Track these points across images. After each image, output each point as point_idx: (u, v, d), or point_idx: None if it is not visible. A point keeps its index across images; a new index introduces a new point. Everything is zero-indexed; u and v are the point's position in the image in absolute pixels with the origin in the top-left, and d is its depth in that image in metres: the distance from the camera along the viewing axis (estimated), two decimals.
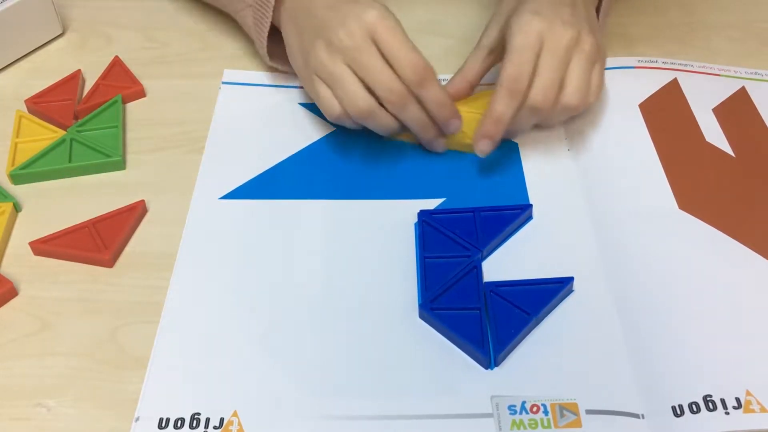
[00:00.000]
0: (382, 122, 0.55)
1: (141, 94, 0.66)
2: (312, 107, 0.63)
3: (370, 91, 0.54)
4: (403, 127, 0.57)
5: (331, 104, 0.55)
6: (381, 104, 0.54)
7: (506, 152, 0.60)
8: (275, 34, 0.62)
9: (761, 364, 0.47)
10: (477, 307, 0.49)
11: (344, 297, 0.51)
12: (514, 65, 0.54)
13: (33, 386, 0.47)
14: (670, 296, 0.50)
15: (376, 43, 0.53)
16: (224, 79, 0.66)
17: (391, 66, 0.53)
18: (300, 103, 0.64)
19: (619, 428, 0.44)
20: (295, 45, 0.59)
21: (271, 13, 0.60)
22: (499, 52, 0.60)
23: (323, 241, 0.54)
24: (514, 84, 0.54)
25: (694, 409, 0.44)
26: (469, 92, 0.61)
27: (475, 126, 0.57)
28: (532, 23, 0.55)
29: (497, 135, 0.56)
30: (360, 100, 0.54)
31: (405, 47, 0.53)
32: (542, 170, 0.58)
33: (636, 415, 0.45)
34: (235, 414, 0.45)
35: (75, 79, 0.66)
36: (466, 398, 0.46)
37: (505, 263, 0.53)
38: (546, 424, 0.44)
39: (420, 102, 0.55)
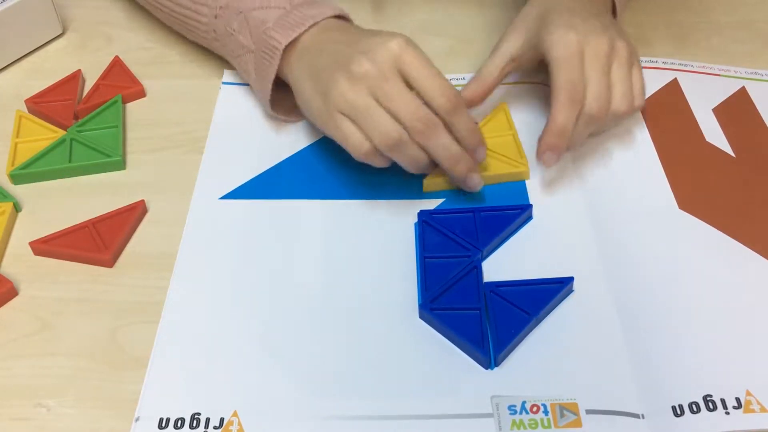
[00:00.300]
0: (412, 154, 0.52)
1: (141, 94, 0.66)
2: None
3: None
4: (433, 164, 0.55)
5: (359, 140, 0.52)
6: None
7: None
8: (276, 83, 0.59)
9: (761, 364, 0.47)
10: (477, 307, 0.49)
11: (344, 297, 0.51)
12: (568, 73, 0.54)
13: (33, 386, 0.47)
14: (670, 296, 0.50)
15: (401, 73, 0.52)
16: (224, 79, 0.66)
17: (417, 95, 0.52)
18: None
19: (619, 428, 0.44)
20: (308, 88, 0.55)
21: (278, 61, 0.56)
22: (520, 62, 0.60)
23: (323, 241, 0.54)
24: (572, 92, 0.54)
25: (694, 409, 0.44)
26: (485, 97, 0.60)
27: (506, 150, 0.57)
28: (569, 35, 0.54)
29: (562, 146, 0.54)
30: (389, 129, 0.51)
31: (435, 75, 0.52)
32: (542, 170, 0.58)
33: (636, 415, 0.45)
34: (235, 414, 0.45)
35: (75, 79, 0.66)
36: (466, 398, 0.46)
37: (505, 263, 0.53)
38: (546, 424, 0.44)
39: (448, 130, 0.53)
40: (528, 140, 0.60)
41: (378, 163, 0.53)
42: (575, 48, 0.54)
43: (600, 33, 0.55)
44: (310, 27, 0.56)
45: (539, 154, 0.55)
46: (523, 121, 0.62)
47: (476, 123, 0.54)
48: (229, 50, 0.61)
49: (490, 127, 0.60)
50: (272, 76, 0.57)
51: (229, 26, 0.60)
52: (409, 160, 0.53)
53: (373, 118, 0.51)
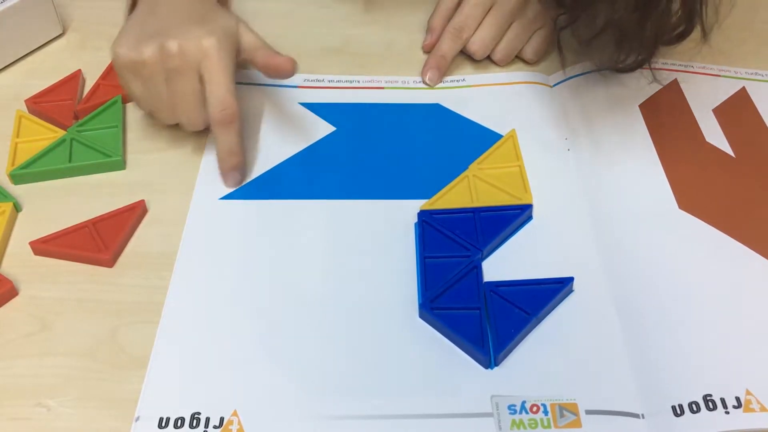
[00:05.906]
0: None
1: None
2: (312, 107, 0.64)
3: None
4: None
5: (141, 103, 0.58)
6: None
7: None
8: None
9: (761, 364, 0.47)
10: (477, 307, 0.49)
11: (344, 297, 0.51)
12: (462, 17, 0.65)
13: (33, 386, 0.47)
14: (670, 296, 0.50)
15: (200, 71, 0.54)
16: None
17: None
18: (300, 103, 0.64)
19: (619, 428, 0.44)
20: (133, 29, 0.57)
21: None
22: None
23: (323, 241, 0.54)
24: (458, 32, 0.65)
25: (694, 408, 0.44)
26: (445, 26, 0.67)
27: (511, 183, 0.57)
28: None
29: (444, 68, 0.66)
30: (166, 117, 0.58)
31: (226, 87, 0.55)
32: (542, 170, 0.58)
33: (636, 415, 0.45)
34: (235, 413, 0.45)
35: (75, 79, 0.66)
36: (466, 398, 0.46)
37: (505, 263, 0.53)
38: (546, 424, 0.44)
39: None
40: (525, 144, 0.60)
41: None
42: None
43: None
44: None
45: (424, 73, 0.66)
46: (522, 122, 0.62)
47: (239, 153, 0.57)
48: None
49: (496, 157, 0.59)
50: None
51: None
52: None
53: (155, 100, 0.56)
